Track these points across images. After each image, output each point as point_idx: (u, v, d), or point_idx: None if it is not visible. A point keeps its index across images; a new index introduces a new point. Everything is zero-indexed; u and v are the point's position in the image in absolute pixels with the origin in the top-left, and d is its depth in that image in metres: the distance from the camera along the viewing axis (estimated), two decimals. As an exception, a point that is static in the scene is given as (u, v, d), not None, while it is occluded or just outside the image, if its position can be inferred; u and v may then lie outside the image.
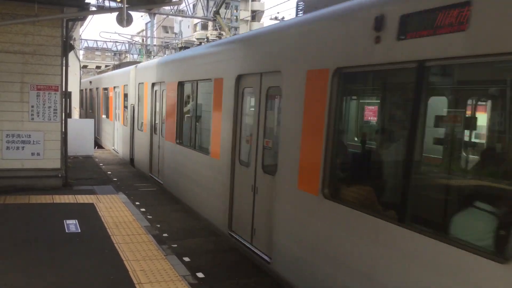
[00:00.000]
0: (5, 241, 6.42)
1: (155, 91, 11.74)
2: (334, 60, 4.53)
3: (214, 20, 21.99)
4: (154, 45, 34.85)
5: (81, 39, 35.94)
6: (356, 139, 6.02)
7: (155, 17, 33.03)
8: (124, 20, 8.22)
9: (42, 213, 7.94)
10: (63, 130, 10.31)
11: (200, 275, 5.81)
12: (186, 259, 6.33)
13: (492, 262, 2.86)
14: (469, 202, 3.57)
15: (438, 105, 4.54)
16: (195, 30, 55.17)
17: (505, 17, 2.97)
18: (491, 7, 3.08)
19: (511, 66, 3.33)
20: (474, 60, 3.23)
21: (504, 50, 2.97)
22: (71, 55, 13.25)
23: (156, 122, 11.71)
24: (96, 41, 43.12)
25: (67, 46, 10.27)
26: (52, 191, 9.59)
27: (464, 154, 4.85)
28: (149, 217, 8.43)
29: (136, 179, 12.41)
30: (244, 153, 6.78)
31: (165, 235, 7.45)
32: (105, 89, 19.21)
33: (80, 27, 24.80)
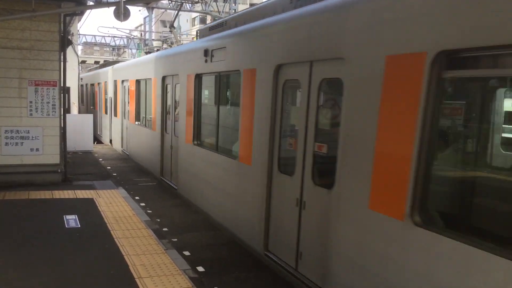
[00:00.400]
0: (4, 237, 6.44)
1: (124, 86, 15.55)
2: (195, 69, 8.47)
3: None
4: (153, 39, 34.70)
5: (79, 34, 35.76)
6: (206, 113, 9.12)
7: (153, 12, 32.86)
8: (121, 14, 8.17)
9: (41, 209, 7.96)
10: (62, 126, 10.31)
11: (200, 269, 5.85)
12: (186, 253, 6.36)
13: (235, 160, 6.75)
14: (237, 137, 6.92)
15: (227, 93, 8.47)
16: (193, 24, 54.90)
17: (232, 55, 6.93)
18: (230, 50, 7.00)
19: (236, 76, 6.93)
20: (229, 72, 7.27)
21: (233, 68, 6.95)
22: (69, 50, 13.23)
23: (125, 109, 15.46)
24: (95, 36, 42.95)
25: (65, 41, 10.24)
26: (51, 187, 9.62)
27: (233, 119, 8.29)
28: (149, 211, 8.45)
29: (136, 173, 12.43)
30: (168, 126, 10.84)
31: (165, 229, 7.48)
32: (92, 84, 23.11)
33: (78, 22, 24.70)
